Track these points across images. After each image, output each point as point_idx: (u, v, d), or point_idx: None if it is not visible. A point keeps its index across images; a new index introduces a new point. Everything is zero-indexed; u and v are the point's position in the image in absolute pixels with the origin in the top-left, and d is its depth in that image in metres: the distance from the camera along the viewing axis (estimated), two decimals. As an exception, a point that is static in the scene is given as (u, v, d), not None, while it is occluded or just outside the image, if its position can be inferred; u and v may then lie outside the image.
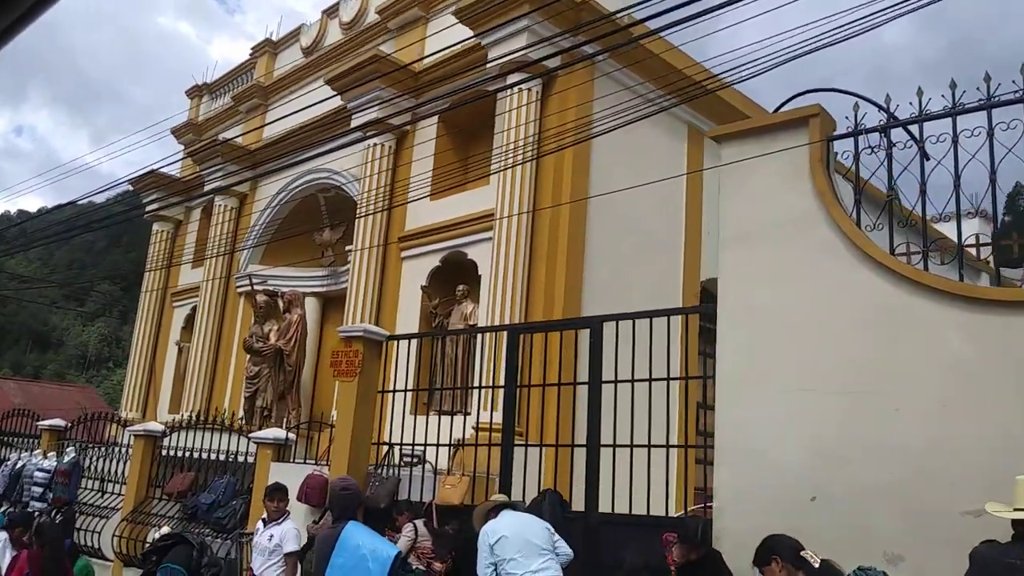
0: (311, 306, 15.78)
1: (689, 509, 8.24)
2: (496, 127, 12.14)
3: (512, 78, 11.24)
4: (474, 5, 11.57)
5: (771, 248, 5.41)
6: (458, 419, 9.07)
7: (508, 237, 10.88)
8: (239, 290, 16.87)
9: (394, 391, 8.83)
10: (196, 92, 20.43)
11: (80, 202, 18.94)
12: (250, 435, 9.70)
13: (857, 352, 4.90)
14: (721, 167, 5.78)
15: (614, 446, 6.99)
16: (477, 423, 9.95)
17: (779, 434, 5.15)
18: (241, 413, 14.71)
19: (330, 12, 17.20)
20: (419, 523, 7.59)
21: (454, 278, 12.75)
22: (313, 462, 9.17)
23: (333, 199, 16.03)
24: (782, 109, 5.65)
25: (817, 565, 3.83)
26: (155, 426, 11.01)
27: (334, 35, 16.92)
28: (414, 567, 7.45)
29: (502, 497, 6.33)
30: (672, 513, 7.59)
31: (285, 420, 13.47)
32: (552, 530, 6.16)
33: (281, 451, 9.42)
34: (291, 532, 6.97)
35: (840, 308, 5.03)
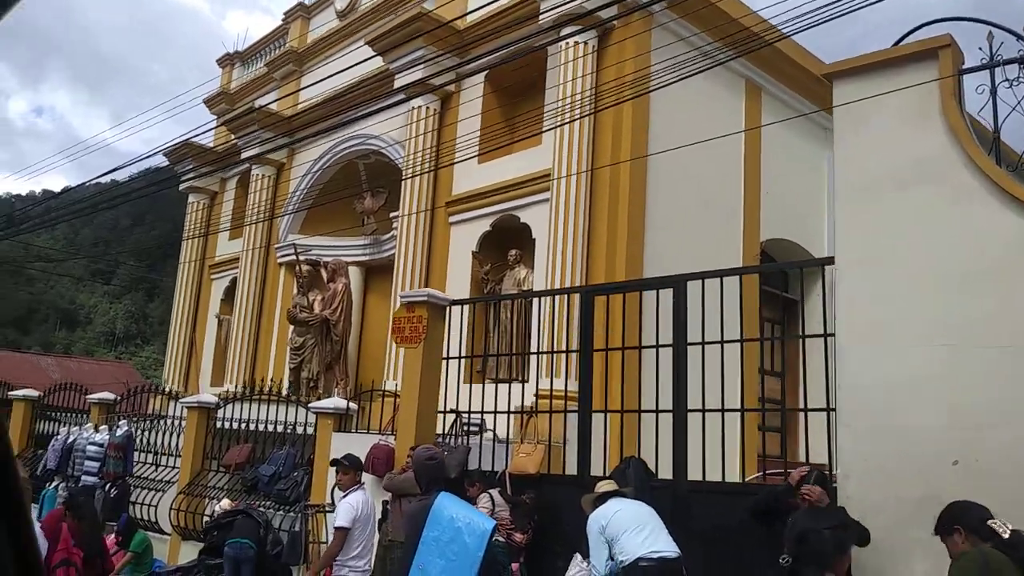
0: (353, 276, 15.47)
1: (749, 477, 7.86)
2: (548, 83, 11.68)
3: (566, 31, 10.78)
4: (525, -45, 11.07)
5: (898, 195, 4.96)
6: (515, 387, 8.76)
7: (566, 197, 10.46)
8: (279, 260, 16.59)
9: (460, 357, 8.50)
10: (228, 61, 20.04)
11: (102, 180, 18.63)
12: (309, 405, 9.42)
13: (1006, 303, 4.48)
14: (836, 108, 5.31)
15: (703, 411, 6.63)
16: (537, 390, 9.65)
17: (911, 395, 4.75)
18: (286, 385, 14.50)
19: (364, -27, 16.69)
20: (494, 493, 7.28)
21: (506, 243, 12.37)
22: (377, 432, 8.88)
23: (373, 165, 15.65)
24: (904, 41, 5.16)
25: (1007, 536, 3.45)
26: (209, 398, 10.79)
27: (369, -4, 16.41)
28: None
29: (610, 484, 5.92)
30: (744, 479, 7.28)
31: (335, 391, 13.23)
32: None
33: (342, 421, 9.14)
34: (341, 506, 6.63)
35: (984, 256, 4.60)
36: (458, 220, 12.79)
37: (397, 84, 13.22)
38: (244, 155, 16.69)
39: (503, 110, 12.95)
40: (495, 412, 8.32)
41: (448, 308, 8.64)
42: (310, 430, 9.48)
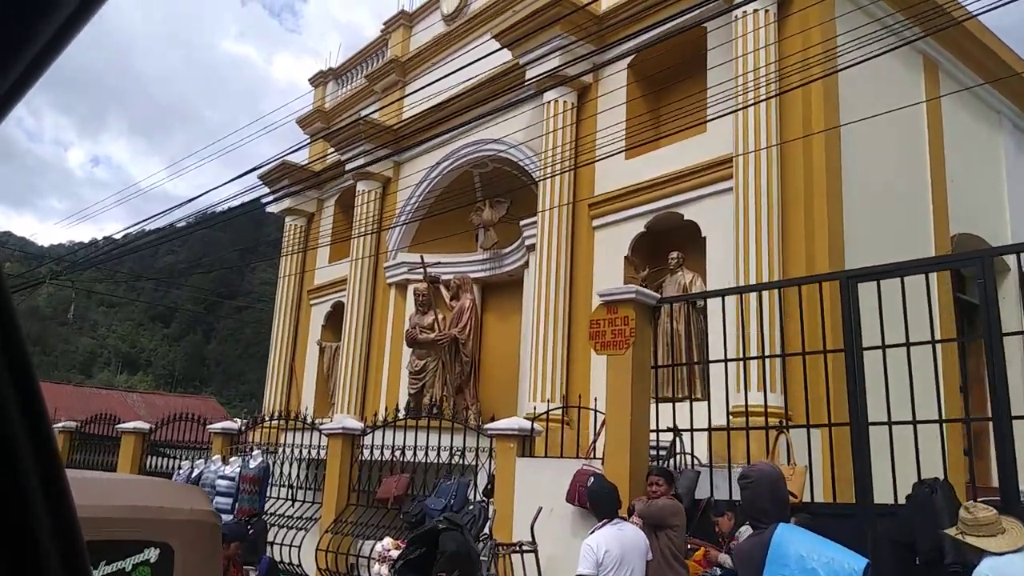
0: (471, 293, 14.31)
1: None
2: (710, 63, 10.46)
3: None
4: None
5: None
6: (682, 405, 7.41)
7: (755, 185, 9.14)
8: (389, 280, 15.52)
9: (672, 365, 7.19)
10: (321, 79, 19.29)
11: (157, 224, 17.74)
12: (485, 427, 8.16)
13: None
14: None
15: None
16: (728, 406, 8.26)
17: None
18: (402, 412, 13.32)
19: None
20: (760, 525, 5.89)
21: (661, 245, 11.10)
22: (576, 456, 7.57)
23: (490, 174, 14.55)
24: None
25: None
26: (353, 423, 9.59)
27: (479, -2, 15.46)
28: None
29: (1015, 527, 4.24)
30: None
31: (466, 416, 11.99)
32: None
33: (524, 445, 7.85)
34: (582, 548, 5.16)
35: None
36: (604, 223, 11.55)
37: (529, 77, 12.11)
38: (349, 168, 15.72)
39: (648, 100, 11.76)
40: (711, 429, 6.97)
41: (654, 309, 7.34)
42: (468, 458, 8.20)
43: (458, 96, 13.52)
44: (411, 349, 13.92)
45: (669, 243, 10.94)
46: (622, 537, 5.00)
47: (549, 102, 12.01)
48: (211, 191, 36.12)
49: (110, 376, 68.85)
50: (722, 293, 7.09)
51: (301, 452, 10.17)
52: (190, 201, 23.92)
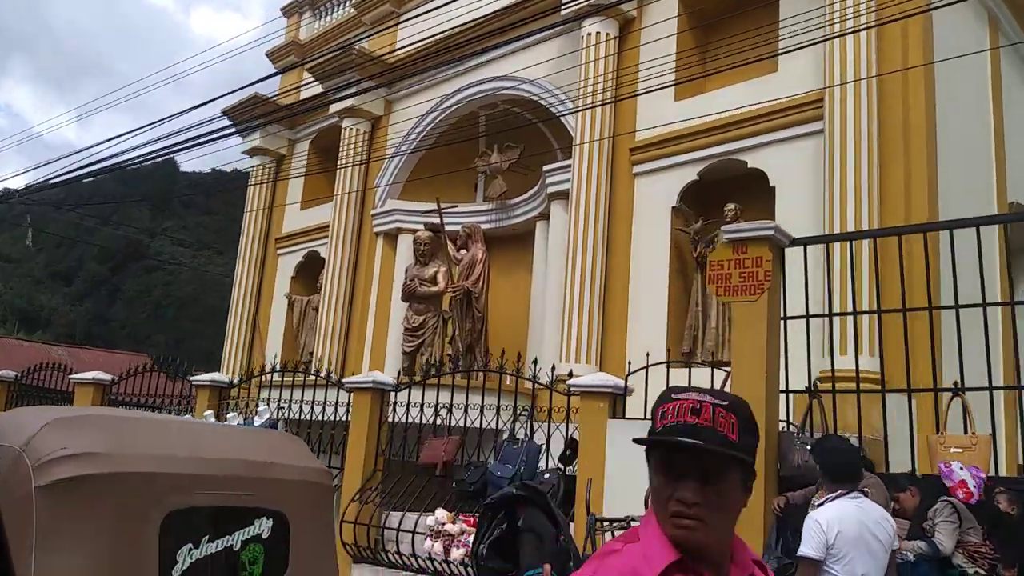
0: (473, 246, 13.03)
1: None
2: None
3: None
4: None
5: None
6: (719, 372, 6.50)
7: (852, 125, 8.20)
8: (376, 229, 14.10)
9: (808, 316, 6.18)
10: (295, 8, 17.49)
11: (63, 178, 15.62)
12: (569, 382, 6.98)
13: None
14: None
15: None
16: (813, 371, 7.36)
17: None
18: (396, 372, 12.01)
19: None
20: (956, 502, 4.97)
21: (712, 195, 10.13)
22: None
23: (497, 116, 13.27)
24: None
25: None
26: (383, 377, 8.25)
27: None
28: (960, 567, 4.88)
29: None
30: None
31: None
32: None
33: (614, 404, 6.73)
34: (806, 524, 4.14)
35: None
36: (648, 169, 10.50)
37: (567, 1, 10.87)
38: (335, 103, 14.15)
39: (699, 34, 10.72)
40: (859, 391, 6.02)
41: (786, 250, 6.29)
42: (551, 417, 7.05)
43: (465, 27, 12.16)
44: (407, 303, 12.59)
45: (722, 193, 9.97)
46: (862, 515, 3.94)
47: (588, 34, 10.81)
48: (114, 140, 32.24)
49: (7, 333, 64.17)
50: (873, 235, 6.12)
51: (314, 410, 8.76)
52: (88, 149, 21.50)
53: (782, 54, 9.22)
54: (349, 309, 13.92)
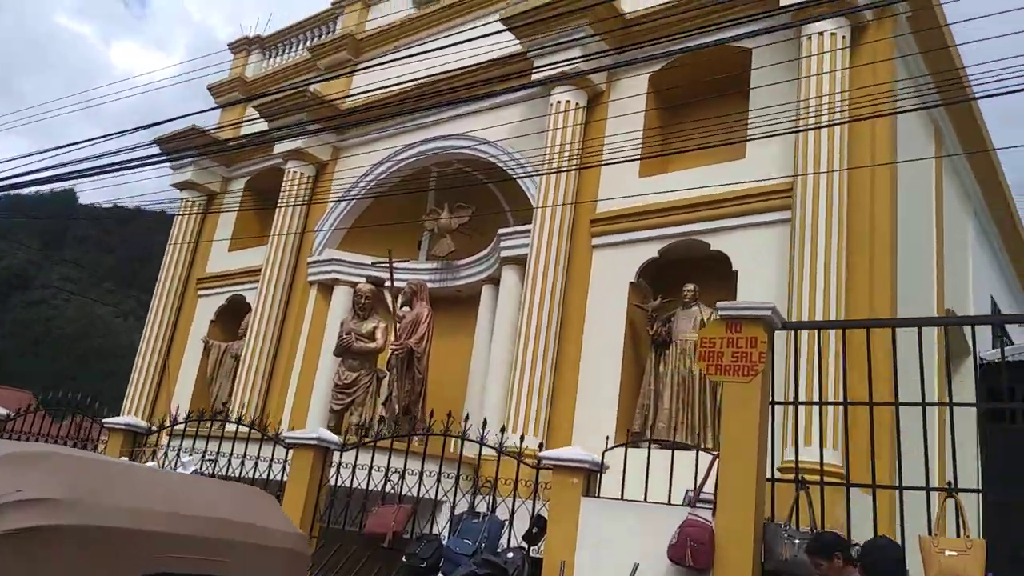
0: (413, 304, 12.56)
1: None
2: (752, 82, 9.68)
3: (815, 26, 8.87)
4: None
5: None
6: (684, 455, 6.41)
7: (824, 215, 8.27)
8: (311, 278, 13.47)
9: (796, 403, 6.00)
10: (244, 46, 16.97)
11: None
12: (541, 455, 6.53)
13: None
14: None
15: None
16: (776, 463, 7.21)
17: None
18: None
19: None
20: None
21: (672, 274, 10.05)
22: (672, 504, 6.13)
23: (450, 174, 13.02)
24: None
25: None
26: (329, 434, 7.58)
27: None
28: None
29: None
30: None
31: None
32: None
33: (589, 481, 6.33)
34: None
35: None
36: (607, 243, 10.36)
37: (537, 74, 10.83)
38: (279, 144, 13.63)
39: (665, 115, 10.82)
40: (849, 485, 5.84)
41: (791, 333, 6.15)
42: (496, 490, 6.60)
43: (425, 82, 11.99)
44: (339, 359, 11.94)
45: (682, 273, 9.91)
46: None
47: (557, 101, 10.75)
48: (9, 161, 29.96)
49: None
50: (867, 324, 6.03)
51: (244, 465, 7.96)
52: None
53: (750, 140, 9.33)
54: (273, 359, 13.14)
